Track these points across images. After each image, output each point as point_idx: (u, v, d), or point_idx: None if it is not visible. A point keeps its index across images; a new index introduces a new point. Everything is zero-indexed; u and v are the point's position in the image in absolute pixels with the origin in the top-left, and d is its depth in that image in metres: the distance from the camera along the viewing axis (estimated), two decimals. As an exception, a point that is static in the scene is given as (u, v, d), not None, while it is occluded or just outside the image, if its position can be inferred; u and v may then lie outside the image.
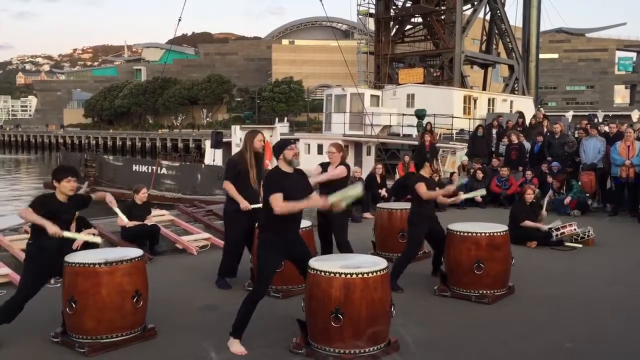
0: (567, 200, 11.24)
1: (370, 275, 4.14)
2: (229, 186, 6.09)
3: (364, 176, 12.57)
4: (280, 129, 24.69)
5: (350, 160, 19.87)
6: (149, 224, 7.92)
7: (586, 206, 11.31)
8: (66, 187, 4.60)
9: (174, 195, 17.71)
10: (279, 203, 4.31)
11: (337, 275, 4.12)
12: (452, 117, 23.70)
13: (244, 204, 5.98)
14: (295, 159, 4.50)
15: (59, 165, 4.71)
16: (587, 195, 11.67)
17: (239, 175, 6.07)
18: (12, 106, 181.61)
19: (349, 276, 4.10)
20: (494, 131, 15.61)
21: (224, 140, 22.38)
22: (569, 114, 33.55)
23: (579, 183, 11.74)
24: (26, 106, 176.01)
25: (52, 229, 4.42)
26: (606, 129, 13.03)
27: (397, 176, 14.99)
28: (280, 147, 4.54)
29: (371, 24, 34.49)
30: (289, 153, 4.47)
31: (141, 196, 8.06)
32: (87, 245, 6.50)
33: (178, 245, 8.07)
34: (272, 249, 4.45)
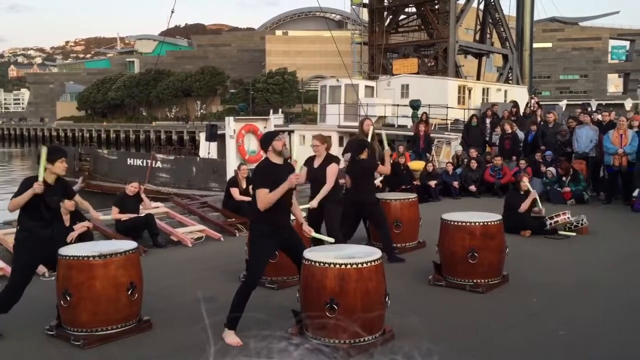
0: (567, 190, 11.24)
1: (364, 265, 4.15)
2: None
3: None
4: (275, 121, 24.64)
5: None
6: (142, 214, 7.93)
7: (582, 198, 11.30)
8: (60, 168, 4.63)
9: (169, 191, 17.66)
10: (263, 199, 4.35)
11: (332, 265, 4.13)
12: (447, 108, 23.71)
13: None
14: (285, 149, 4.52)
15: (50, 147, 4.74)
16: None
17: None
18: (5, 99, 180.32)
19: (343, 266, 4.11)
20: (488, 121, 15.62)
21: (219, 132, 22.32)
22: (563, 103, 33.57)
23: (582, 177, 11.62)
24: (19, 99, 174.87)
25: (34, 189, 4.40)
26: (599, 117, 13.05)
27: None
28: (268, 139, 4.56)
29: (365, 14, 34.36)
30: (277, 144, 4.49)
31: (132, 188, 8.07)
32: (81, 238, 6.51)
33: (173, 237, 8.07)
34: (265, 238, 4.46)
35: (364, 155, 6.90)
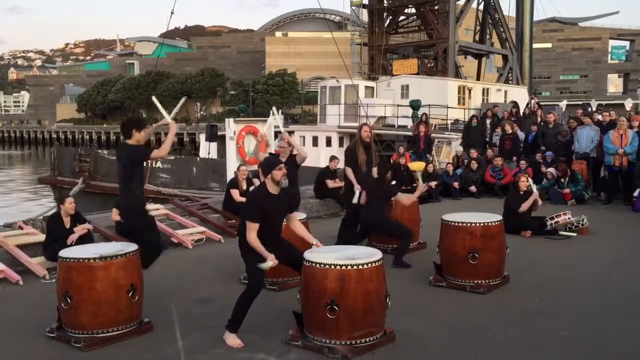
0: (567, 191, 11.23)
1: (365, 266, 4.14)
2: (348, 171, 7.32)
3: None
4: (275, 122, 24.61)
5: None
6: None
7: (582, 199, 11.31)
8: (142, 137, 5.51)
9: (170, 192, 17.61)
10: (252, 234, 4.36)
11: (332, 266, 4.12)
12: (447, 108, 23.71)
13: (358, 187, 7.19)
14: (283, 180, 4.47)
15: (130, 119, 5.99)
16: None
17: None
18: (5, 102, 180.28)
19: (344, 267, 4.11)
20: (488, 121, 15.62)
21: (219, 133, 22.29)
22: (563, 104, 33.59)
23: (580, 177, 11.62)
24: (19, 102, 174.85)
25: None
26: (599, 117, 13.05)
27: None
28: (269, 167, 4.49)
29: (364, 15, 34.38)
30: (277, 174, 4.44)
31: None
32: (82, 240, 6.50)
33: (173, 239, 8.06)
34: (255, 255, 4.44)
35: (388, 176, 7.01)
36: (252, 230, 4.38)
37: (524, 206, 8.44)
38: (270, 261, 4.35)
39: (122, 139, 5.64)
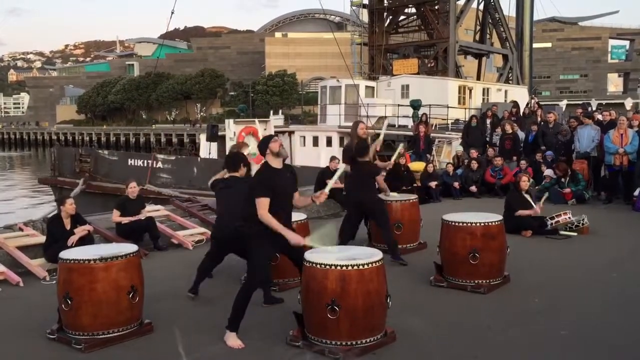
0: (567, 190, 11.22)
1: (366, 266, 4.14)
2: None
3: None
4: (275, 122, 24.63)
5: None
6: (143, 217, 7.92)
7: (583, 198, 11.30)
8: (245, 170, 5.80)
9: (170, 193, 17.60)
10: (264, 208, 4.36)
11: (333, 267, 4.11)
12: (448, 107, 23.72)
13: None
14: (282, 149, 4.51)
15: (236, 154, 6.05)
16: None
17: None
18: (5, 103, 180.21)
19: (344, 268, 4.10)
20: (488, 121, 15.62)
21: (219, 133, 22.28)
22: (563, 103, 33.62)
23: (581, 177, 11.59)
24: (19, 103, 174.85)
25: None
26: (599, 117, 13.04)
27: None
28: (264, 143, 4.55)
29: (364, 15, 34.39)
30: (274, 145, 4.49)
31: (132, 190, 8.03)
32: (82, 242, 6.50)
33: (174, 240, 8.06)
34: (264, 241, 4.43)
35: (366, 158, 6.94)
36: (264, 207, 4.36)
37: (522, 213, 8.41)
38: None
39: (229, 173, 5.84)
